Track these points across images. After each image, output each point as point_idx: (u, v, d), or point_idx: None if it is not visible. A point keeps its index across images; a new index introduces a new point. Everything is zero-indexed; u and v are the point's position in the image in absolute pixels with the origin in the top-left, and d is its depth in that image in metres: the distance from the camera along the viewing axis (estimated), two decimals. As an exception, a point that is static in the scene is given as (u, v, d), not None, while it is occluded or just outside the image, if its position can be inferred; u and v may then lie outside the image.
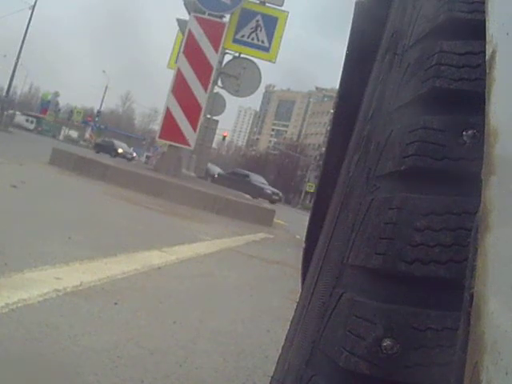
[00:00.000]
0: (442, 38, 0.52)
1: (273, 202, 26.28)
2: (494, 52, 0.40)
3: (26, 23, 31.67)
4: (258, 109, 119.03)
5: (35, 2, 32.76)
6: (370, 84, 0.73)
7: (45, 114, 52.25)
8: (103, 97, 57.83)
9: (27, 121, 50.25)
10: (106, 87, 56.06)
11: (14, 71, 32.33)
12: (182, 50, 8.66)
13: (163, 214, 5.28)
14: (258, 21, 9.34)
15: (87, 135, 51.00)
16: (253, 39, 9.38)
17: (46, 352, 1.25)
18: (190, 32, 8.59)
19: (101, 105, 58.08)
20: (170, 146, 8.89)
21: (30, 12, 32.17)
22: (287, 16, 9.48)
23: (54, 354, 1.25)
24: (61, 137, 53.23)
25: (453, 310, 0.42)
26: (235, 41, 9.38)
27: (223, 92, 10.59)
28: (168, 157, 8.95)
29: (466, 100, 0.49)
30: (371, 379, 0.45)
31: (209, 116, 11.07)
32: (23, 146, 14.68)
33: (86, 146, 37.01)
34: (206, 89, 8.52)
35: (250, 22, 9.33)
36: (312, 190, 47.47)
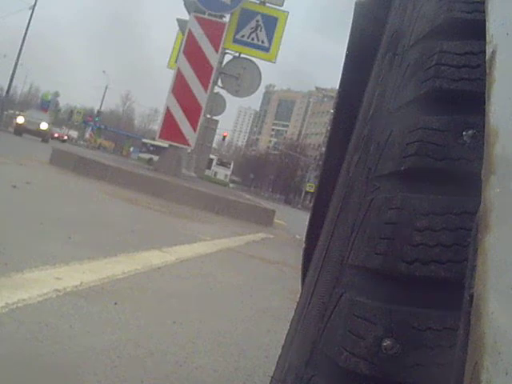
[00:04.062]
0: (441, 37, 0.52)
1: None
2: (493, 52, 0.40)
3: (26, 23, 31.73)
4: (258, 109, 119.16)
5: (35, 2, 32.81)
6: (370, 84, 0.73)
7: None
8: (103, 97, 57.88)
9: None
10: (106, 87, 56.12)
11: (13, 71, 32.36)
12: (181, 49, 8.66)
13: (163, 214, 5.27)
14: (257, 21, 9.35)
15: (87, 135, 51.01)
16: (253, 39, 9.39)
17: (45, 352, 1.25)
18: (190, 32, 8.58)
19: (101, 105, 58.09)
20: (170, 145, 8.90)
21: (30, 12, 32.24)
22: (287, 16, 9.49)
23: (54, 354, 1.25)
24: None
25: (453, 309, 0.42)
26: (235, 41, 9.39)
27: (223, 92, 10.62)
28: (168, 157, 8.95)
29: (466, 100, 0.49)
30: (371, 379, 0.45)
31: (209, 116, 11.09)
32: (23, 145, 14.67)
33: (86, 146, 37.04)
34: (206, 89, 8.51)
35: (249, 22, 9.34)
36: (312, 190, 47.56)
